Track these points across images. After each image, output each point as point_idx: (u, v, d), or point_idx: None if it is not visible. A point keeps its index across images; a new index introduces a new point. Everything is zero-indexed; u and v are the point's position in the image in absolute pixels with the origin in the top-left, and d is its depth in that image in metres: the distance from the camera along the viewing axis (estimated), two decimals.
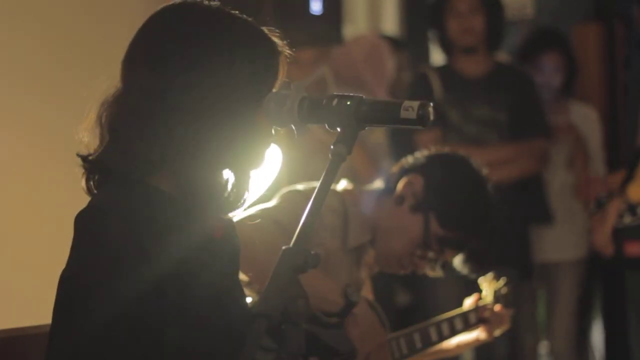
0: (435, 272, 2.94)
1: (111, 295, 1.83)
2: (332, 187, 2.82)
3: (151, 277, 1.85)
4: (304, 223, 1.76)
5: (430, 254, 2.84)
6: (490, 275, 3.07)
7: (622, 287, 4.72)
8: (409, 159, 2.94)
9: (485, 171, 2.94)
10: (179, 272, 1.89)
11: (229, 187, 2.01)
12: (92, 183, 1.96)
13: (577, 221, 5.00)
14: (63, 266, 1.91)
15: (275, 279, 1.68)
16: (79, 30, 3.75)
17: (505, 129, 4.64)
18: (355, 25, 6.08)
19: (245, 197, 2.03)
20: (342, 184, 2.94)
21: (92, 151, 1.95)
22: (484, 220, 2.88)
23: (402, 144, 4.61)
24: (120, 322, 1.83)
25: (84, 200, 1.95)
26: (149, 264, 1.85)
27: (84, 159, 1.95)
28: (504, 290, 3.08)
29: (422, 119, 1.81)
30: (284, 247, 1.72)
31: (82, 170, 1.96)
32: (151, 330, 1.86)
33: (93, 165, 1.94)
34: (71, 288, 1.88)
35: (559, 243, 4.91)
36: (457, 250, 2.88)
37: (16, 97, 3.62)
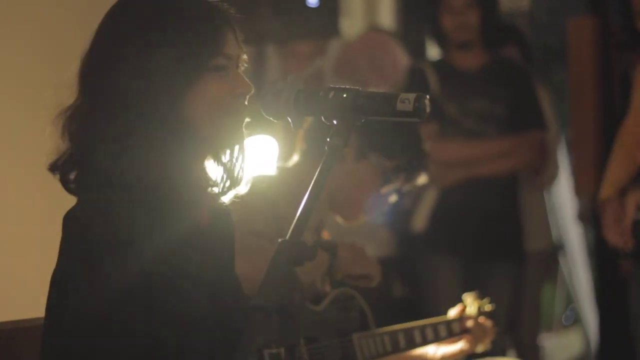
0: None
1: (99, 290, 1.84)
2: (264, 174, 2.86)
3: (138, 271, 1.85)
4: (299, 216, 1.76)
5: (394, 185, 2.90)
6: (473, 294, 3.08)
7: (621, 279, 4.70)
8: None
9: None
10: (166, 263, 1.89)
11: (219, 172, 2.02)
12: (70, 184, 1.96)
13: (539, 211, 5.02)
14: (55, 260, 1.91)
15: (271, 271, 1.68)
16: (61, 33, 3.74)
17: (503, 122, 4.64)
18: (351, 19, 6.07)
19: (236, 178, 2.04)
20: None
21: (60, 153, 1.95)
22: (414, 132, 2.97)
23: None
24: (110, 317, 1.84)
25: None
26: (135, 259, 1.85)
27: (55, 167, 1.96)
28: (488, 308, 3.08)
29: (418, 111, 1.81)
30: (280, 240, 1.71)
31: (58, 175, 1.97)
32: (141, 323, 1.86)
33: (67, 168, 1.95)
34: (61, 285, 1.89)
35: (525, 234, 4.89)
36: (414, 170, 2.92)
37: (10, 97, 3.62)
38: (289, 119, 1.91)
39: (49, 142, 1.96)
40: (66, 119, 1.94)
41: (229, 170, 2.04)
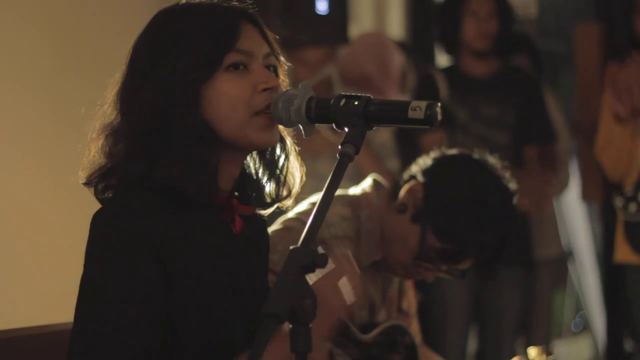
0: (446, 277, 2.79)
1: (118, 286, 1.86)
2: (349, 194, 2.77)
3: (160, 270, 1.87)
4: (311, 223, 1.76)
5: (430, 265, 2.70)
6: (541, 347, 2.71)
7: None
8: (421, 161, 2.79)
9: (499, 172, 2.74)
10: (191, 266, 1.90)
11: (262, 179, 2.04)
12: (104, 193, 1.98)
13: (549, 218, 5.01)
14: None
15: (283, 278, 1.68)
16: (86, 37, 3.76)
17: (512, 129, 4.64)
18: (360, 25, 6.08)
19: (280, 186, 2.05)
20: (368, 183, 2.83)
21: (96, 167, 1.97)
22: (487, 231, 2.69)
23: (407, 144, 4.61)
24: (129, 315, 1.85)
25: (87, 203, 1.99)
26: (159, 256, 1.87)
27: (91, 181, 1.97)
28: None
29: (430, 119, 1.81)
30: (291, 247, 1.72)
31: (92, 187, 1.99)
32: (162, 323, 1.87)
33: (102, 182, 1.96)
34: (85, 282, 1.91)
35: (534, 241, 4.88)
36: (454, 262, 2.70)
37: (26, 98, 3.63)
38: (300, 127, 1.92)
39: (81, 156, 2.00)
40: (104, 136, 1.96)
41: (272, 178, 2.05)
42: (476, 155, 2.77)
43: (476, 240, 2.67)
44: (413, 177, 2.76)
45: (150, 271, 1.86)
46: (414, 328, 2.90)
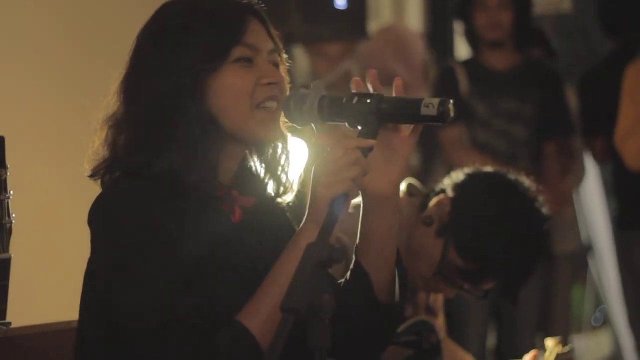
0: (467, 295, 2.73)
1: (121, 273, 1.87)
2: None
3: (157, 255, 1.88)
4: (326, 219, 1.78)
5: (450, 282, 2.64)
6: (557, 338, 2.72)
7: None
8: (454, 175, 2.71)
9: (532, 196, 2.64)
10: (187, 253, 1.90)
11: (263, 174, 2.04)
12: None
13: (568, 213, 5.00)
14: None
15: (301, 274, 1.69)
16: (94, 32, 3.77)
17: (533, 123, 4.64)
18: (379, 20, 6.08)
19: (279, 182, 2.05)
20: (401, 188, 2.68)
21: (101, 160, 1.99)
22: (512, 256, 2.60)
23: (427, 139, 4.61)
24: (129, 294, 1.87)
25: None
26: (155, 241, 1.88)
27: (96, 174, 1.99)
28: (569, 357, 2.70)
29: (443, 116, 1.82)
30: (308, 243, 1.73)
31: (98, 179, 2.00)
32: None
33: (107, 175, 1.98)
34: (92, 271, 1.94)
35: (553, 235, 4.86)
36: (474, 282, 2.65)
37: (36, 96, 3.65)
38: (313, 126, 1.92)
39: (85, 149, 2.01)
40: (107, 128, 1.98)
41: (271, 174, 2.06)
42: (511, 176, 2.68)
43: (499, 264, 2.60)
44: (443, 190, 2.69)
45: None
46: (440, 323, 2.90)
